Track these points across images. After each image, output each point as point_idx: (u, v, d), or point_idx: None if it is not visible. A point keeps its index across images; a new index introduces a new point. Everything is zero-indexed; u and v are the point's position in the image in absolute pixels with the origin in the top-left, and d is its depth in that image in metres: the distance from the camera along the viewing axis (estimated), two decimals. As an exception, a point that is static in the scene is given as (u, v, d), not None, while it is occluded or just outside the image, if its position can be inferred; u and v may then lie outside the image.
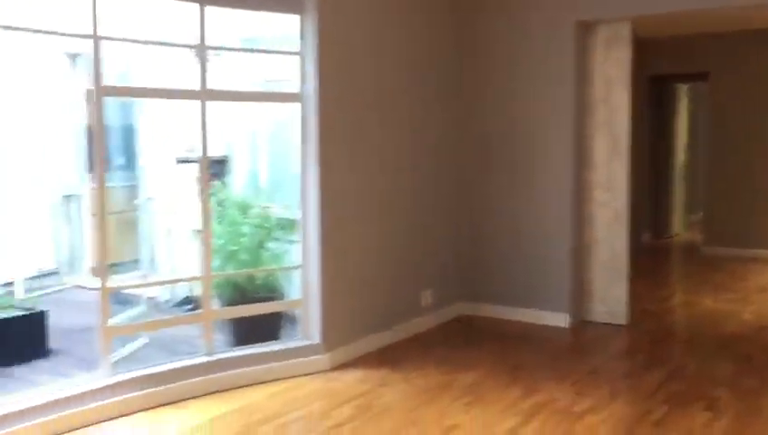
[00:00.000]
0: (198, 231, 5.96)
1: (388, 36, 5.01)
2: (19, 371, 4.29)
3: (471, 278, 5.85)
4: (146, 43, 4.40)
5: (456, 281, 5.79)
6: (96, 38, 3.74)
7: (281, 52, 4.74)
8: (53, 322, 4.89)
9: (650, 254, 9.00)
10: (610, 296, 5.55)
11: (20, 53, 6.12)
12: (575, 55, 5.39)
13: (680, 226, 10.36)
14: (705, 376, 4.42)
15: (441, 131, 5.59)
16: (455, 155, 5.73)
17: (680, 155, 10.29)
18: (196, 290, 5.95)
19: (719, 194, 8.65)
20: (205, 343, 4.29)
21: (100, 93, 3.80)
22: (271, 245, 5.13)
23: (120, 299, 5.30)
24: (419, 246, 5.38)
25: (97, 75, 3.78)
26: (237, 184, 5.68)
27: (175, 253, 6.14)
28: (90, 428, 3.64)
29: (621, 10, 5.26)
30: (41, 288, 6.11)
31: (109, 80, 3.86)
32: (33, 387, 3.85)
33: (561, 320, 5.49)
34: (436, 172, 5.54)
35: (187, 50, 5.38)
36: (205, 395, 4.08)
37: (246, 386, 4.23)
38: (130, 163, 6.45)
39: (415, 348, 5.00)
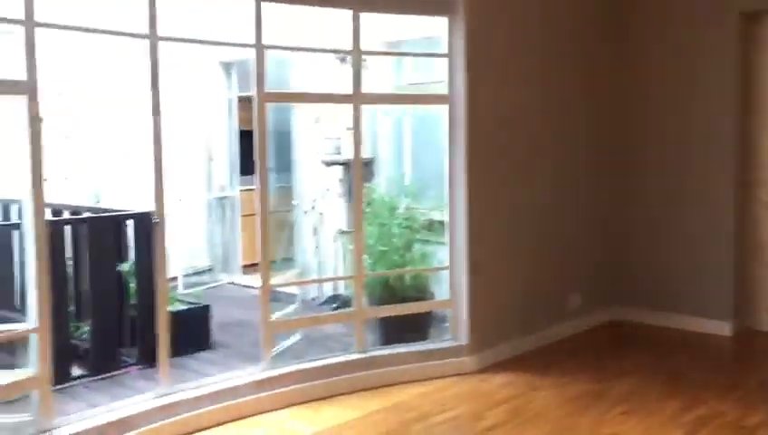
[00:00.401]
0: (343, 231, 6.15)
1: (537, 37, 4.92)
2: (185, 361, 4.56)
3: (622, 281, 5.62)
4: (303, 50, 4.57)
5: (605, 284, 5.60)
6: (259, 47, 3.93)
7: (430, 54, 4.79)
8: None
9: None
10: (779, 304, 5.17)
11: (180, 62, 6.52)
12: (738, 48, 5.06)
13: None
14: None
15: (593, 130, 5.42)
16: (606, 153, 5.54)
17: None
18: (341, 289, 6.15)
19: None
20: (357, 340, 4.39)
21: (262, 99, 3.99)
22: (417, 246, 5.17)
23: (273, 297, 5.51)
24: (568, 248, 5.24)
25: (260, 82, 3.97)
26: (383, 185, 5.77)
27: (321, 252, 6.34)
28: (251, 418, 3.83)
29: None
30: (197, 285, 6.47)
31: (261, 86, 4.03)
32: (201, 377, 4.09)
33: (722, 328, 5.16)
34: (586, 171, 5.39)
35: (331, 55, 5.56)
36: (357, 391, 4.18)
37: (395, 384, 4.29)
38: (280, 166, 6.71)
39: (563, 353, 4.88)
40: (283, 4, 4.05)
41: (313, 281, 6.19)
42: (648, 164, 5.50)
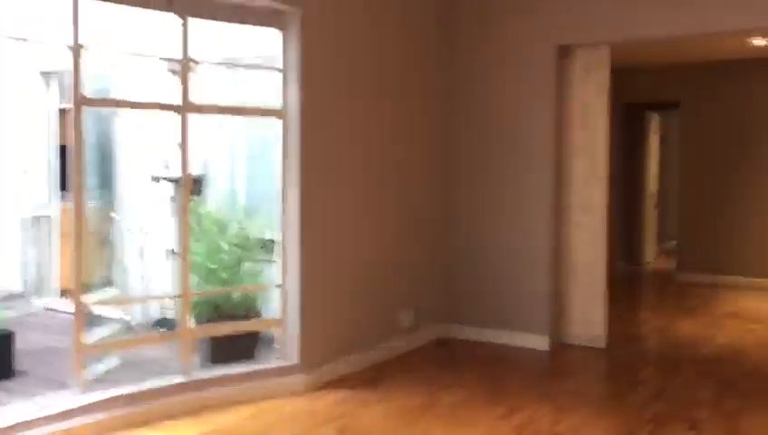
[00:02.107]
0: (172, 251, 5.86)
1: (370, 53, 5.01)
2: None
3: (451, 300, 5.81)
4: (126, 54, 4.34)
5: (436, 302, 5.75)
6: (76, 47, 3.68)
7: (262, 67, 4.73)
8: (19, 343, 4.73)
9: (626, 280, 9.06)
10: (589, 320, 5.54)
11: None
12: (555, 79, 5.45)
13: (652, 253, 10.47)
14: (686, 397, 4.42)
15: (424, 153, 5.59)
16: (436, 178, 5.73)
17: (652, 183, 10.43)
18: (170, 313, 5.84)
19: (691, 221, 8.78)
20: (181, 362, 4.17)
21: (79, 103, 3.72)
22: (248, 265, 5.05)
23: (91, 321, 5.13)
24: (399, 267, 5.33)
25: (76, 85, 3.71)
26: (214, 202, 5.59)
27: (148, 274, 6.01)
28: (60, 449, 3.50)
29: (600, 36, 5.35)
30: (7, 310, 5.90)
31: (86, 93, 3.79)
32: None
33: (541, 343, 5.46)
34: (418, 194, 5.53)
35: (165, 64, 5.35)
36: (181, 416, 3.95)
37: (223, 407, 4.11)
38: (103, 182, 6.32)
39: (395, 369, 4.92)
40: (105, 2, 3.81)
41: (132, 300, 5.83)
42: (474, 189, 5.74)
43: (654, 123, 10.46)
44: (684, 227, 8.91)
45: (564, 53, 5.54)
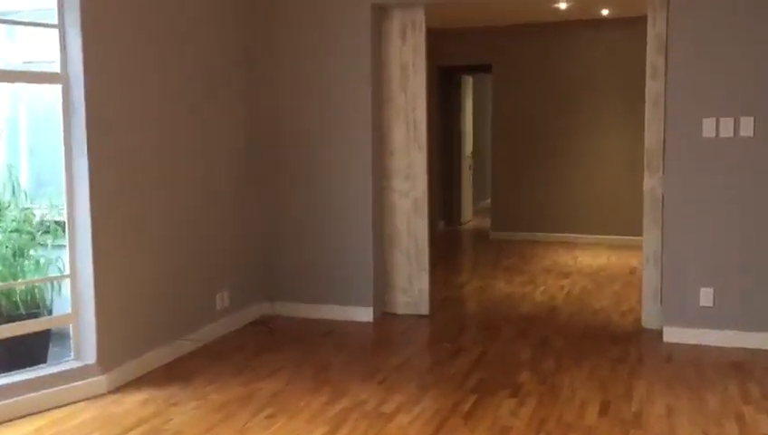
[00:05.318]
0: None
1: (167, 12, 4.47)
2: None
3: (271, 277, 5.49)
4: None
5: (254, 281, 5.40)
6: None
7: (35, 24, 4.05)
8: None
9: (445, 241, 9.24)
10: (413, 287, 5.47)
11: None
12: (371, 40, 5.22)
13: (469, 213, 10.78)
14: (507, 361, 4.45)
15: (232, 122, 5.15)
16: (247, 147, 5.32)
17: (468, 145, 10.68)
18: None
19: (503, 181, 9.07)
20: (-54, 376, 3.52)
21: None
22: (35, 252, 4.40)
23: None
24: (212, 246, 4.91)
25: None
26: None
27: None
28: None
29: (414, -5, 5.18)
30: None
31: None
32: None
33: (365, 314, 5.31)
34: (226, 165, 5.10)
35: None
36: (-52, 440, 3.34)
37: (7, 421, 3.53)
38: None
39: (210, 358, 4.54)
40: None
41: None
42: (291, 161, 5.42)
43: (468, 87, 10.68)
44: (496, 187, 9.20)
45: (381, 13, 5.32)
